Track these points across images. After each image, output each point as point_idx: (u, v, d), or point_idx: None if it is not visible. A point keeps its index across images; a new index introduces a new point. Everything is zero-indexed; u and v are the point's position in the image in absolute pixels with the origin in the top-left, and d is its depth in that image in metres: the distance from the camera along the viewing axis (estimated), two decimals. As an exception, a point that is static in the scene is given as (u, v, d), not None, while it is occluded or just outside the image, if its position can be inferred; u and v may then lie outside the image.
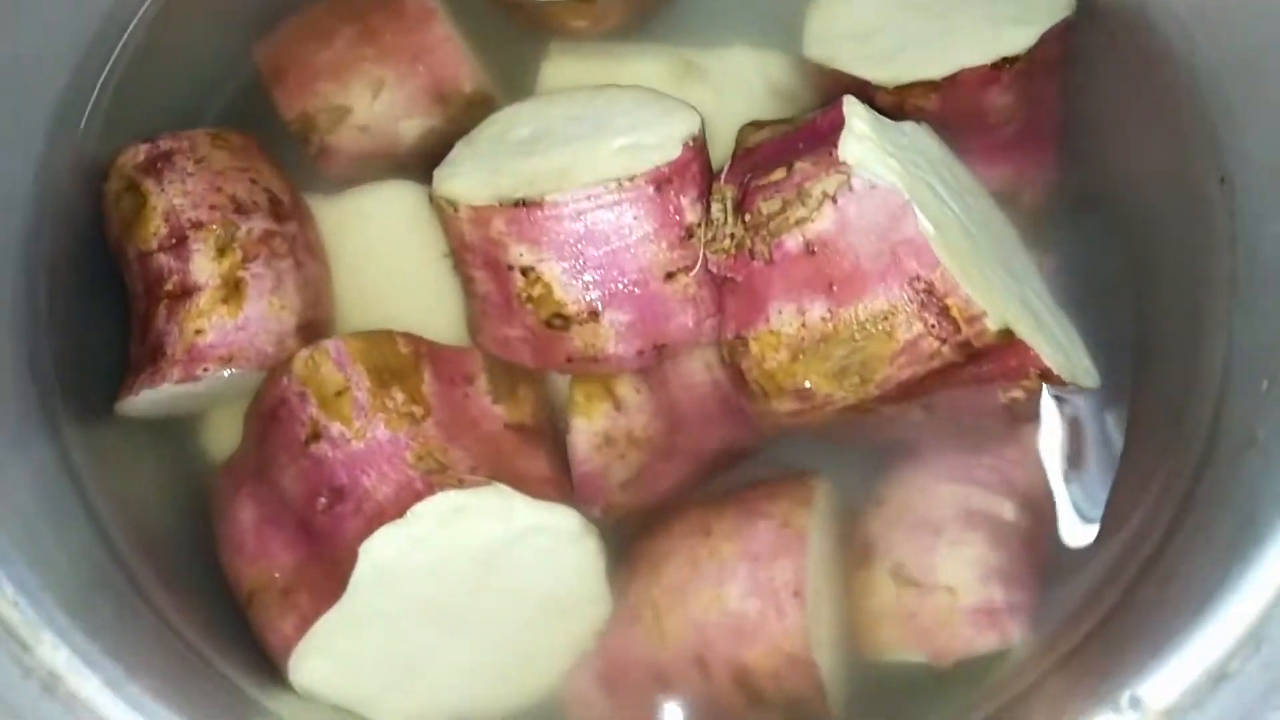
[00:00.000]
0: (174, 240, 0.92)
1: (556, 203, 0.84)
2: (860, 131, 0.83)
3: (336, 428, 0.85)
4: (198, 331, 0.91)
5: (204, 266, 0.92)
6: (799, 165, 0.83)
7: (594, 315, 0.86)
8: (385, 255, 0.98)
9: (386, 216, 0.99)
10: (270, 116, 1.01)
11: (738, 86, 1.02)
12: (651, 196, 0.84)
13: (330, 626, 0.83)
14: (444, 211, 0.88)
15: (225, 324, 0.91)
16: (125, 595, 0.86)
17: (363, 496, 0.83)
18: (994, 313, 0.80)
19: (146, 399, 0.91)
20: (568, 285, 0.85)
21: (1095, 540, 0.92)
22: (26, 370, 0.90)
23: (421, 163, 0.94)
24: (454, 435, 0.87)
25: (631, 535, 0.92)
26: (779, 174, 0.84)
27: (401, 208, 0.98)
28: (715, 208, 0.87)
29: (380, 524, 0.81)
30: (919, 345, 0.81)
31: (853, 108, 0.84)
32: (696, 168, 0.86)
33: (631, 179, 0.84)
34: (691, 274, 0.86)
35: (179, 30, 1.03)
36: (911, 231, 0.80)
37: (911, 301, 0.80)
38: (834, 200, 0.81)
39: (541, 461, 0.90)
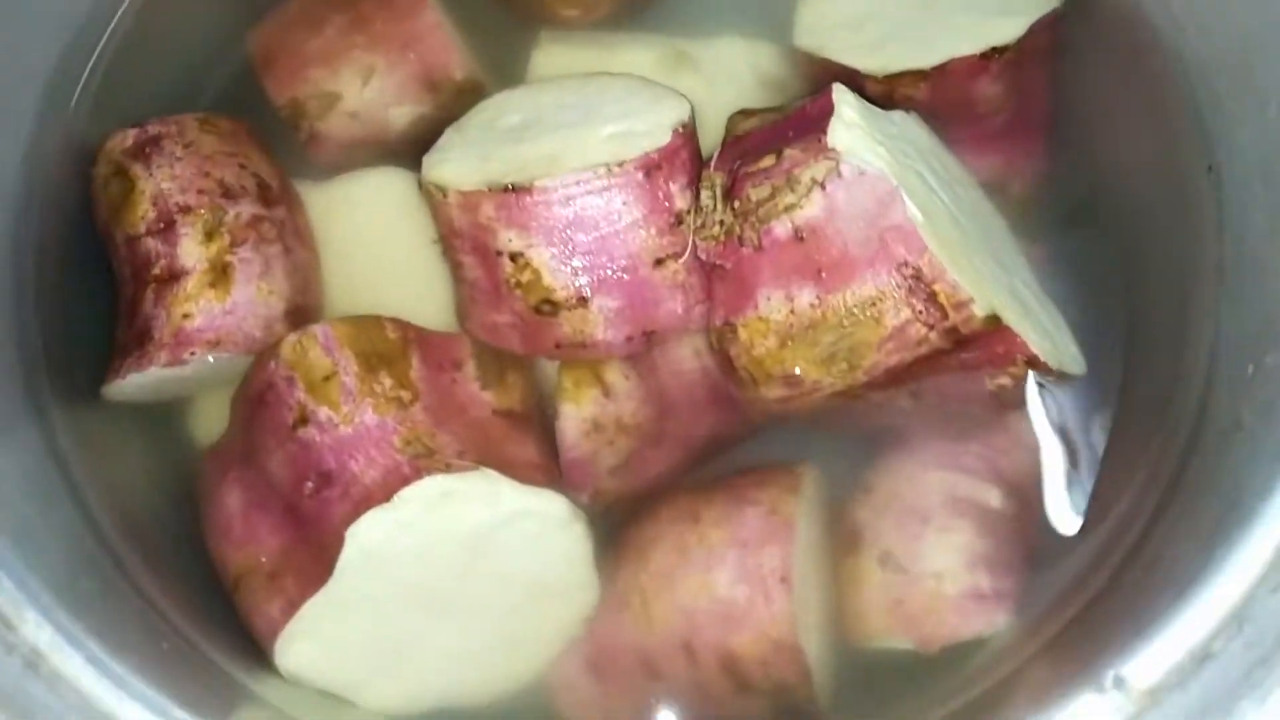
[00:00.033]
0: (162, 224, 0.92)
1: (545, 188, 0.83)
2: (849, 118, 0.83)
3: (324, 412, 0.84)
4: (185, 315, 0.90)
5: (192, 251, 0.91)
6: (788, 152, 0.83)
7: (583, 301, 0.86)
8: (374, 241, 0.98)
9: (376, 203, 0.99)
10: (261, 103, 1.01)
11: (728, 76, 1.02)
12: (641, 182, 0.84)
13: (317, 611, 0.82)
14: (433, 197, 0.88)
15: (213, 308, 0.91)
16: (111, 578, 0.86)
17: (350, 481, 0.83)
18: (981, 299, 0.80)
19: (133, 383, 0.91)
20: (556, 271, 0.85)
21: (1082, 526, 0.92)
22: (14, 353, 0.90)
23: (411, 150, 0.94)
24: (442, 420, 0.86)
25: (620, 521, 0.92)
26: (768, 161, 0.84)
27: (391, 194, 0.98)
28: (704, 195, 0.87)
29: (367, 508, 0.81)
30: (907, 331, 0.81)
31: (842, 95, 0.84)
32: (686, 155, 0.86)
33: (621, 164, 0.83)
34: (680, 260, 0.86)
35: (169, 15, 1.03)
36: (900, 218, 0.80)
37: (899, 287, 0.80)
38: (823, 187, 0.81)
39: (530, 447, 0.90)
